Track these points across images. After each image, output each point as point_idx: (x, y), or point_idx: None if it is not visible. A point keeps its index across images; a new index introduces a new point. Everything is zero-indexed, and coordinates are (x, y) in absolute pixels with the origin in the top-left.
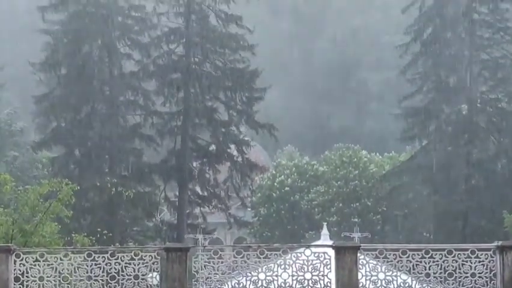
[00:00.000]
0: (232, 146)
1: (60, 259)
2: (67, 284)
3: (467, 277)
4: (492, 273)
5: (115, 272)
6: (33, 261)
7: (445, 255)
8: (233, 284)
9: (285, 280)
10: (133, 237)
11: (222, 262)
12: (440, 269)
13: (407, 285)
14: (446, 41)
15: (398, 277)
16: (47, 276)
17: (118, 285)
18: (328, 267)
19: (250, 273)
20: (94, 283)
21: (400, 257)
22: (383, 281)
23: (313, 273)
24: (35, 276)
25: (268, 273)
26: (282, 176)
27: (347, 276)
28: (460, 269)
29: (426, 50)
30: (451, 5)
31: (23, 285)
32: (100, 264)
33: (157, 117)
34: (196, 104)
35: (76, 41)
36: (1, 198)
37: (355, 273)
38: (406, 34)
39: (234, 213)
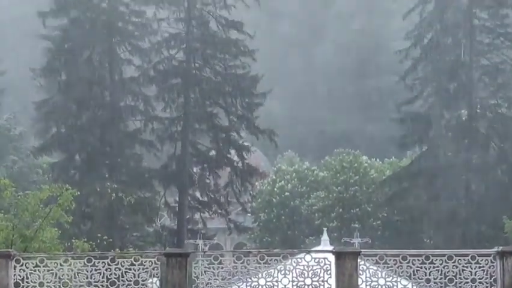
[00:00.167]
0: (233, 152)
1: (61, 264)
2: None
3: (467, 283)
4: (492, 278)
5: (115, 278)
6: (33, 267)
7: (445, 260)
8: None
9: (285, 286)
10: (133, 242)
11: (222, 268)
12: (441, 274)
13: None
14: (446, 47)
15: (399, 283)
16: (47, 282)
17: None
18: (328, 272)
19: (251, 278)
20: None
21: (400, 262)
22: (384, 287)
23: (314, 279)
24: (35, 282)
25: (268, 279)
26: (282, 182)
27: (347, 281)
28: (460, 274)
29: (426, 56)
30: (451, 11)
31: None
32: (100, 269)
33: (157, 122)
34: (196, 109)
35: (76, 46)
36: (1, 203)
37: (355, 279)
38: (406, 39)
39: (234, 219)
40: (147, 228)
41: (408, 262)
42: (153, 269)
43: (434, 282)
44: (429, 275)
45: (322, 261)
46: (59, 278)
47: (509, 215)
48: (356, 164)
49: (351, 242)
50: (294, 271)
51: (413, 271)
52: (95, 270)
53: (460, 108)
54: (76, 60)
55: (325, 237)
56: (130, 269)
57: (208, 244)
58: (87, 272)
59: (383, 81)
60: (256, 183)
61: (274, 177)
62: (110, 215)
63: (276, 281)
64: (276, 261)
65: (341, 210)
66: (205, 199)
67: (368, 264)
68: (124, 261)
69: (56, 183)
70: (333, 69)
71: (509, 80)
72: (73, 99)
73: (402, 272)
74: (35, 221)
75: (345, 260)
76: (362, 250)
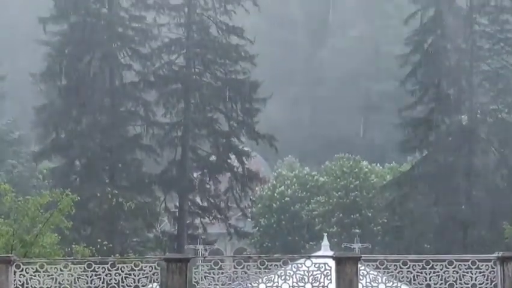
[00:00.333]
0: (233, 157)
1: (61, 270)
2: None
3: None
4: (493, 284)
5: (115, 283)
6: (34, 272)
7: (446, 266)
8: None
9: None
10: (133, 248)
11: (222, 273)
12: (441, 279)
13: None
14: (446, 52)
15: None
16: (47, 287)
17: None
18: (328, 278)
19: (251, 284)
20: None
21: (401, 267)
22: None
23: (314, 284)
24: (35, 287)
25: (268, 284)
26: (283, 187)
27: (348, 287)
28: (460, 279)
29: (426, 61)
30: (451, 16)
31: None
32: (100, 275)
33: (158, 127)
34: (197, 114)
35: (77, 51)
36: (1, 208)
37: (355, 284)
38: (407, 44)
39: (234, 224)
40: (147, 233)
41: (409, 267)
42: (153, 274)
43: None
44: (430, 280)
45: (322, 267)
46: (59, 283)
47: (510, 220)
48: (356, 169)
49: (352, 247)
50: (294, 276)
51: (414, 276)
52: (95, 275)
53: (461, 113)
54: (76, 66)
55: (325, 242)
56: (130, 274)
57: (208, 249)
58: (87, 277)
59: (383, 87)
60: (257, 189)
61: (274, 182)
62: (111, 220)
63: (276, 287)
64: (276, 267)
65: (341, 215)
66: (206, 204)
67: (368, 270)
68: (124, 267)
69: (56, 188)
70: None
71: (509, 86)
72: (73, 104)
73: (402, 277)
74: (35, 226)
75: (346, 265)
76: (362, 255)
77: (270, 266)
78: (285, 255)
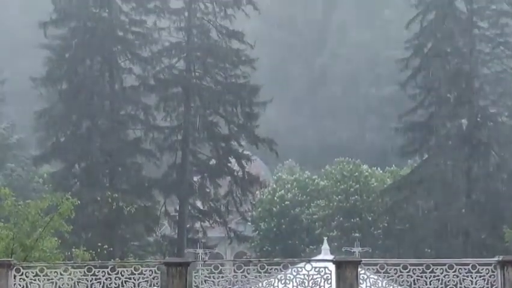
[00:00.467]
0: (233, 161)
1: (61, 274)
2: None
3: None
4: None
5: (115, 287)
6: (34, 276)
7: (446, 270)
8: None
9: None
10: (133, 252)
11: (222, 277)
12: (441, 283)
13: None
14: (446, 56)
15: None
16: None
17: None
18: (329, 282)
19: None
20: None
21: (401, 271)
22: None
23: None
24: None
25: None
26: (283, 191)
27: None
28: (461, 283)
29: (426, 65)
30: (451, 20)
31: None
32: (100, 279)
33: (158, 131)
34: (197, 118)
35: (77, 55)
36: (1, 212)
37: None
38: (407, 48)
39: (235, 228)
40: (147, 237)
41: (409, 271)
42: (153, 278)
43: None
44: (430, 284)
45: (322, 271)
46: (59, 287)
47: (510, 225)
48: (356, 173)
49: (352, 251)
50: (294, 280)
51: (414, 280)
52: (95, 279)
53: (461, 117)
54: (77, 70)
55: (325, 246)
56: (130, 278)
57: (209, 253)
58: (87, 281)
59: (383, 90)
60: (257, 192)
61: (274, 186)
62: (111, 224)
63: None
64: (276, 271)
65: (341, 219)
66: (206, 208)
67: (368, 274)
68: (124, 271)
69: (56, 192)
70: (334, 78)
71: (509, 89)
72: (73, 108)
73: (402, 281)
74: (35, 230)
75: (346, 269)
76: (362, 259)
77: (270, 269)
78: (285, 259)
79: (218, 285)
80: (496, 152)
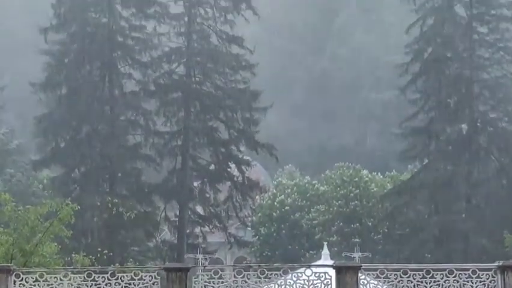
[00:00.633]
0: (233, 166)
1: (60, 279)
2: None
3: None
4: None
5: None
6: (33, 282)
7: (446, 275)
8: None
9: None
10: (133, 257)
11: (222, 282)
12: None
13: None
14: (446, 61)
15: None
16: None
17: None
18: (329, 287)
19: None
20: None
21: (401, 277)
22: None
23: None
24: None
25: None
26: (283, 196)
27: None
28: None
29: (426, 70)
30: (451, 25)
31: None
32: (99, 284)
33: (158, 136)
34: (197, 123)
35: (77, 61)
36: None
37: None
38: (407, 53)
39: (235, 233)
40: (147, 242)
41: (409, 276)
42: (153, 283)
43: None
44: None
45: (322, 276)
46: None
47: (510, 230)
48: (356, 178)
49: (352, 256)
50: (294, 286)
51: (414, 285)
52: (95, 285)
53: (461, 122)
54: (76, 75)
55: (325, 251)
56: (130, 284)
57: (208, 258)
58: (87, 286)
59: (383, 95)
60: (257, 197)
61: (274, 191)
62: (111, 229)
63: None
64: (276, 276)
65: (341, 224)
66: (206, 213)
67: (368, 279)
68: (124, 276)
69: (56, 197)
70: (334, 83)
71: (509, 94)
72: (73, 114)
73: (403, 286)
74: (35, 236)
75: (346, 274)
76: (362, 264)
77: (270, 275)
78: (285, 264)
79: None
80: (495, 157)
